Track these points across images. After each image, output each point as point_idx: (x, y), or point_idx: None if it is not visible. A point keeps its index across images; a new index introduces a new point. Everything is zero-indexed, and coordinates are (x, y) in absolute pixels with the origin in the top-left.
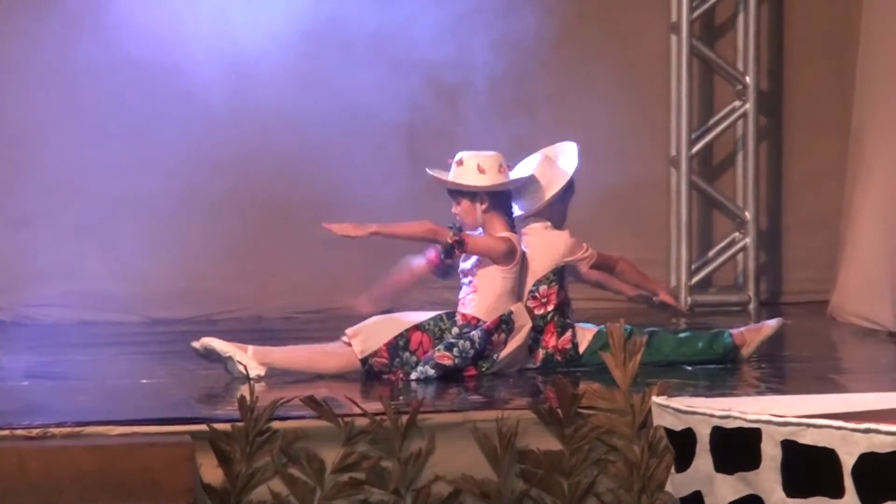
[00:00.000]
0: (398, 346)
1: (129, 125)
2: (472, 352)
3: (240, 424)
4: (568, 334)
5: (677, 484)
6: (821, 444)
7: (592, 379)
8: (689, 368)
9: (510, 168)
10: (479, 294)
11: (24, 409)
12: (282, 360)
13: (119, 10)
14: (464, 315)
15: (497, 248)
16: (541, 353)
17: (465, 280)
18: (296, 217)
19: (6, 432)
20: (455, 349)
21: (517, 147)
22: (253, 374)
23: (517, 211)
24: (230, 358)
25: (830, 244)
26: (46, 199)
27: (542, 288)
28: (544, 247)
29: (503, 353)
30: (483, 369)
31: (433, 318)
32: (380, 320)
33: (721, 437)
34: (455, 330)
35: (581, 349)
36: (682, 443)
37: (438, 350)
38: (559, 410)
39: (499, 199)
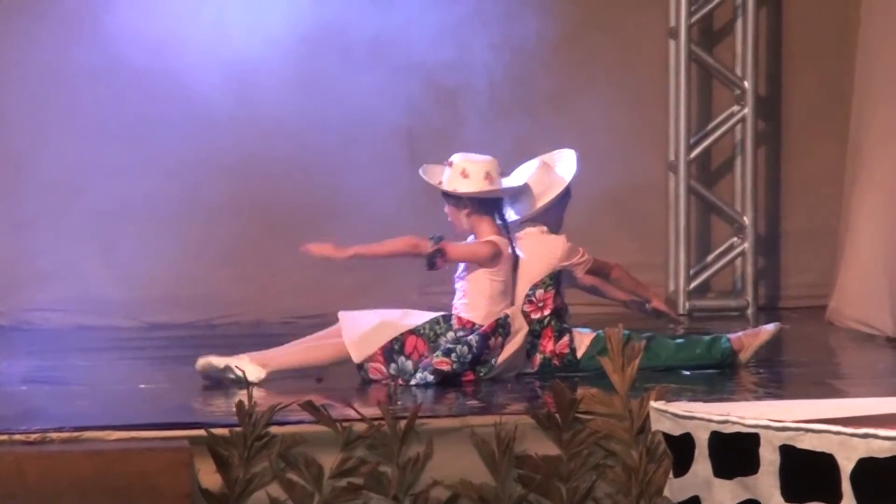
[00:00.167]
0: (393, 349)
1: (128, 129)
2: (469, 356)
3: (238, 429)
4: (565, 339)
5: (675, 489)
6: (819, 449)
7: (590, 384)
8: (688, 373)
9: (506, 174)
10: (470, 297)
11: (22, 414)
12: (280, 360)
13: (119, 13)
14: (459, 318)
15: (479, 252)
16: (538, 357)
17: (458, 285)
18: (295, 221)
19: (4, 437)
20: (453, 354)
21: (517, 150)
22: (253, 376)
23: (512, 216)
24: (228, 367)
25: (829, 249)
26: (45, 203)
27: (539, 292)
28: (541, 251)
29: (501, 358)
30: (481, 374)
31: (429, 322)
32: (375, 325)
33: (719, 442)
34: (451, 334)
35: (579, 354)
36: (681, 448)
37: (436, 356)
38: (557, 415)
39: (484, 204)
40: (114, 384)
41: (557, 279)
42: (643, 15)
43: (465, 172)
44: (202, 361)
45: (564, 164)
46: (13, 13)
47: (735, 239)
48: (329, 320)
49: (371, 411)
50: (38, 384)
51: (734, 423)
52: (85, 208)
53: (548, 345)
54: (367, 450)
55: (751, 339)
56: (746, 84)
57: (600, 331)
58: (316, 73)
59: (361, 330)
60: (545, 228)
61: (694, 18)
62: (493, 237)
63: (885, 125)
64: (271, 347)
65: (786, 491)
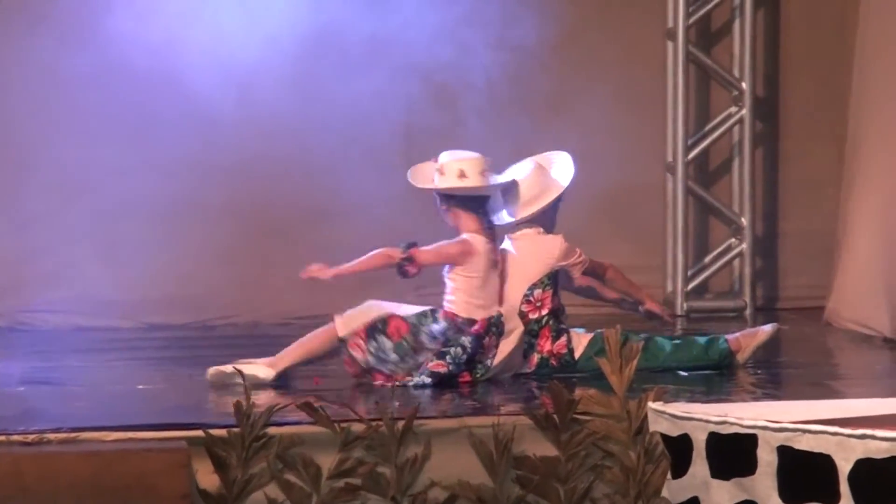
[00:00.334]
0: (376, 327)
1: (128, 130)
2: (464, 357)
3: (236, 430)
4: (563, 339)
5: (673, 490)
6: (817, 449)
7: (588, 385)
8: (685, 374)
9: (497, 173)
10: (453, 294)
11: (20, 414)
12: (286, 360)
13: (119, 14)
14: (445, 312)
15: (448, 252)
16: (535, 357)
17: (446, 281)
18: (293, 223)
19: (2, 438)
20: (448, 356)
21: (516, 150)
22: (263, 374)
23: (507, 218)
24: (238, 372)
25: (826, 250)
26: (45, 203)
27: (537, 292)
28: (538, 251)
29: (497, 359)
30: (478, 375)
31: (417, 313)
32: (365, 307)
33: (717, 443)
34: (435, 326)
35: (577, 354)
36: (679, 448)
37: (432, 359)
38: (555, 416)
39: (464, 201)
40: (112, 385)
41: (555, 279)
42: (641, 16)
43: (441, 169)
44: (210, 371)
45: (559, 167)
46: (14, 14)
47: (733, 240)
48: (326, 322)
49: (369, 412)
50: (35, 385)
51: (732, 423)
52: (85, 209)
53: (545, 345)
54: (365, 450)
55: (748, 339)
56: (744, 85)
57: (598, 331)
58: (315, 73)
59: (353, 311)
60: (541, 229)
61: (692, 19)
62: (468, 235)
63: (882, 127)
64: (269, 348)
65: (783, 492)
